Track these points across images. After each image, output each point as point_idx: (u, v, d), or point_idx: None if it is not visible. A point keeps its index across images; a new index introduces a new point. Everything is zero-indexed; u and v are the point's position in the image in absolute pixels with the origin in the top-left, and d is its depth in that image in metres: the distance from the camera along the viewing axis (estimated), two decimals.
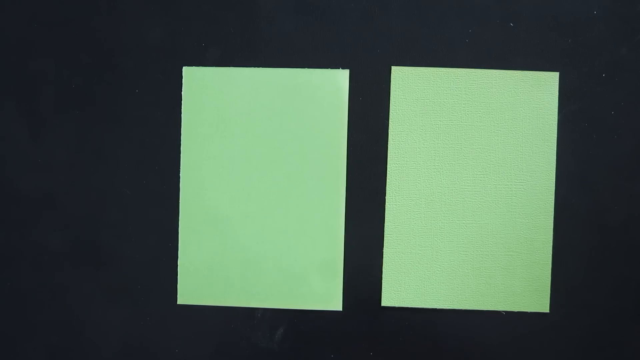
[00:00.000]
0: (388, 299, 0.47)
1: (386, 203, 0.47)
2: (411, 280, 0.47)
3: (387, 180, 0.47)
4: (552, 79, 0.47)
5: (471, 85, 0.47)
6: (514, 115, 0.47)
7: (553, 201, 0.47)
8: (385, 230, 0.47)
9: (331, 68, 0.47)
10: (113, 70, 0.48)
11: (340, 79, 0.47)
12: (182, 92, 0.48)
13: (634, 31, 0.47)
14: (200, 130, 0.48)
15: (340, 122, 0.47)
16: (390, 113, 0.47)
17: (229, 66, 0.48)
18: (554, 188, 0.47)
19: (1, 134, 0.49)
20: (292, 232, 0.47)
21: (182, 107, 0.48)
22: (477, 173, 0.47)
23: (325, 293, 0.48)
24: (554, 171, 0.47)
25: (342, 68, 0.48)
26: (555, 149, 0.47)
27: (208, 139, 0.48)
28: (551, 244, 0.47)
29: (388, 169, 0.47)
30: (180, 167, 0.48)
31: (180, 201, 0.48)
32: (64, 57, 0.48)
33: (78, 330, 0.49)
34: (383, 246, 0.48)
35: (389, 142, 0.47)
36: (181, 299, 0.48)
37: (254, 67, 0.48)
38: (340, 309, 0.48)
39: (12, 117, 0.48)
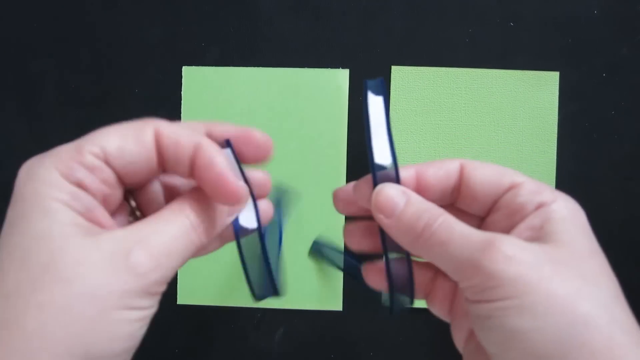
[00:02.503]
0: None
1: None
2: None
3: None
4: (552, 78, 0.47)
5: (471, 85, 0.47)
6: (514, 115, 0.47)
7: None
8: None
9: (331, 68, 0.47)
10: (113, 70, 0.48)
11: (340, 78, 0.47)
12: (182, 92, 0.48)
13: (634, 31, 0.47)
14: None
15: (340, 122, 0.47)
16: (390, 113, 0.47)
17: (229, 66, 0.48)
18: (553, 188, 0.47)
19: (1, 134, 0.49)
20: (292, 231, 0.47)
21: (182, 107, 0.48)
22: None
23: (325, 293, 0.48)
24: (554, 171, 0.47)
25: (342, 68, 0.47)
26: (555, 149, 0.47)
27: None
28: None
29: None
30: None
31: None
32: (64, 57, 0.48)
33: None
34: None
35: None
36: (181, 299, 0.48)
37: (254, 67, 0.48)
38: (340, 309, 0.48)
39: (12, 117, 0.48)
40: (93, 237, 0.22)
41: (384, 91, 0.26)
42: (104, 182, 0.23)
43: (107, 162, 0.24)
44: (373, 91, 0.26)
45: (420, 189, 0.26)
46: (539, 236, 0.23)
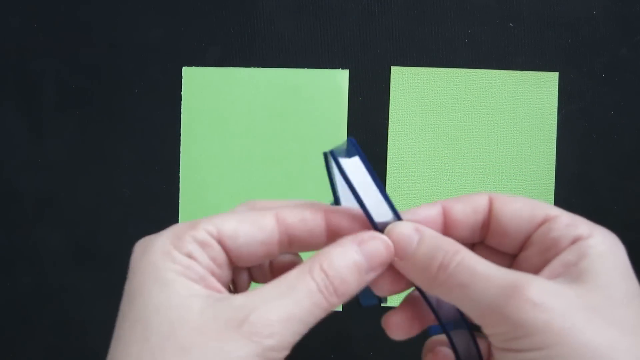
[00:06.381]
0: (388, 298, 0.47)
1: None
2: None
3: (387, 180, 0.47)
4: (551, 79, 0.47)
5: (471, 85, 0.47)
6: (513, 115, 0.47)
7: (553, 201, 0.47)
8: None
9: (331, 68, 0.47)
10: (113, 70, 0.48)
11: (340, 79, 0.47)
12: (182, 92, 0.48)
13: (634, 31, 0.47)
14: (200, 130, 0.48)
15: (340, 122, 0.47)
16: (390, 113, 0.47)
17: (229, 66, 0.48)
18: (553, 188, 0.47)
19: (1, 134, 0.49)
20: None
21: (182, 107, 0.48)
22: (477, 173, 0.47)
23: None
24: (554, 171, 0.47)
25: (342, 68, 0.48)
26: (555, 149, 0.47)
27: (208, 139, 0.48)
28: None
29: (388, 169, 0.47)
30: (180, 167, 0.48)
31: (180, 201, 0.48)
32: (64, 57, 0.48)
33: (78, 330, 0.49)
34: None
35: (388, 142, 0.47)
36: None
37: (254, 67, 0.48)
38: (340, 309, 0.48)
39: (12, 117, 0.48)
40: (211, 305, 0.22)
41: (357, 150, 0.24)
42: (213, 260, 0.24)
43: (221, 242, 0.24)
44: (345, 156, 0.24)
45: (448, 227, 0.25)
46: (573, 273, 0.22)
